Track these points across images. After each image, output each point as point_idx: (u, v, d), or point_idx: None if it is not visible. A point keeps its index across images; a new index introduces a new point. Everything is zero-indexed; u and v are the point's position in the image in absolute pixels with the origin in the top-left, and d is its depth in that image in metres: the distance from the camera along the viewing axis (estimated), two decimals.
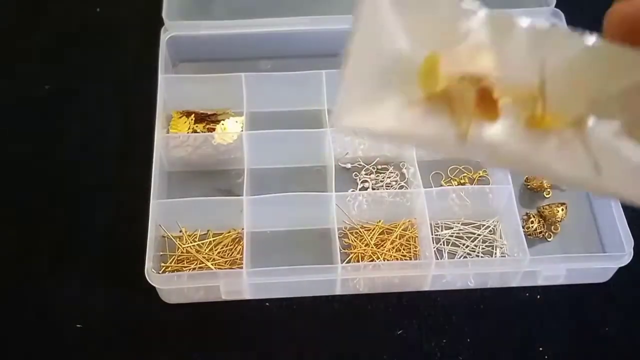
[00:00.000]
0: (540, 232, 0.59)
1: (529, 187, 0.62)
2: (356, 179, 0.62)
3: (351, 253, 0.57)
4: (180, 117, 0.63)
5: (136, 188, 0.57)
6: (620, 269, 0.55)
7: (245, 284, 0.53)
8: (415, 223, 0.59)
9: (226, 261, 0.56)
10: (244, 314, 0.55)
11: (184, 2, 0.68)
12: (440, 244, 0.58)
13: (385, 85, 0.20)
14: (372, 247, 0.57)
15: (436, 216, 0.58)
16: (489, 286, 0.57)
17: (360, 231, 0.58)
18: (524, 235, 0.55)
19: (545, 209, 0.59)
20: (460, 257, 0.58)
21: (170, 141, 0.60)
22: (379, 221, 0.59)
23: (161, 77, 0.61)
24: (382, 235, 0.58)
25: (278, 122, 0.61)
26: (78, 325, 0.54)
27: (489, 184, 0.61)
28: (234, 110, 0.63)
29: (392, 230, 0.58)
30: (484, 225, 0.59)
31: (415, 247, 0.58)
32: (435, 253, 0.56)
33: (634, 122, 0.20)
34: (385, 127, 0.20)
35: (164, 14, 0.63)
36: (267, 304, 0.56)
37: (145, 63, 0.64)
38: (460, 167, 0.63)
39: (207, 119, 0.63)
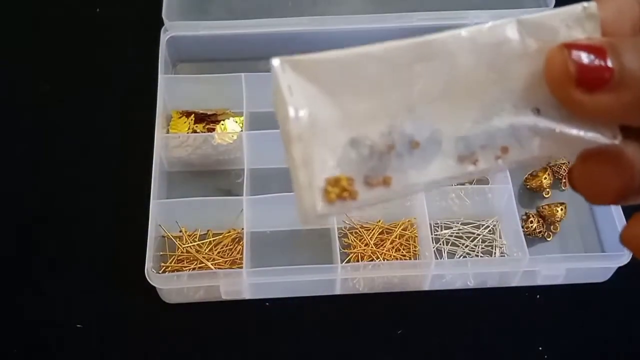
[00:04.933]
0: (540, 232, 0.59)
1: (528, 187, 0.62)
2: None
3: (351, 253, 0.57)
4: (180, 117, 0.63)
5: (136, 188, 0.57)
6: (619, 268, 0.55)
7: (245, 283, 0.53)
8: (415, 223, 0.59)
9: (226, 261, 0.56)
10: (244, 314, 0.55)
11: (184, 2, 0.68)
12: (440, 244, 0.58)
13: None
14: (371, 247, 0.57)
15: (436, 216, 0.59)
16: (488, 286, 0.57)
17: (360, 231, 0.58)
18: (523, 235, 0.55)
19: (545, 208, 0.59)
20: (459, 257, 0.58)
21: (170, 141, 0.60)
22: (379, 221, 0.59)
23: (161, 77, 0.61)
24: (382, 235, 0.58)
25: (278, 123, 0.61)
26: (78, 325, 0.54)
27: (489, 184, 0.61)
28: (233, 110, 0.63)
29: (391, 230, 0.58)
30: (484, 225, 0.60)
31: (415, 246, 0.58)
32: (434, 253, 0.56)
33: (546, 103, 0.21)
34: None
35: (163, 14, 0.63)
36: (267, 303, 0.56)
37: (145, 63, 0.64)
38: None
39: (207, 119, 0.63)
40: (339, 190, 0.20)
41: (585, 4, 0.21)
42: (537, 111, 0.21)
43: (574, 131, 0.21)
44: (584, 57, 0.19)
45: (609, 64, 0.19)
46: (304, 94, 0.20)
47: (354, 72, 0.20)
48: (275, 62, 0.20)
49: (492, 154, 0.21)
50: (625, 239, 0.22)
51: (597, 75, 0.19)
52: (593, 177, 0.21)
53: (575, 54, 0.19)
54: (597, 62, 0.19)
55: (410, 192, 0.21)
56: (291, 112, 0.20)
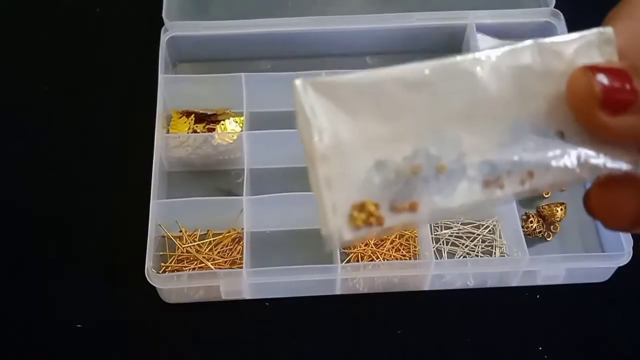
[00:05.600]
0: (540, 232, 0.59)
1: None
2: None
3: (351, 253, 0.57)
4: (180, 117, 0.63)
5: (136, 188, 0.57)
6: (619, 268, 0.55)
7: (245, 283, 0.53)
8: None
9: (226, 261, 0.56)
10: (244, 314, 0.55)
11: (184, 2, 0.68)
12: (440, 244, 0.58)
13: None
14: (371, 247, 0.57)
15: None
16: (488, 286, 0.57)
17: None
18: (523, 235, 0.55)
19: (545, 208, 0.59)
20: (459, 257, 0.58)
21: (170, 141, 0.60)
22: None
23: (161, 77, 0.61)
24: None
25: (278, 122, 0.61)
26: (78, 325, 0.54)
27: None
28: (233, 110, 0.63)
29: None
30: (484, 225, 0.60)
31: (415, 246, 0.58)
32: (434, 253, 0.56)
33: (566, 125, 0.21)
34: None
35: (164, 14, 0.63)
36: (267, 303, 0.56)
37: (145, 63, 0.64)
38: None
39: (207, 119, 0.63)
40: (365, 216, 0.20)
41: (601, 29, 0.21)
42: (562, 135, 0.21)
43: (596, 156, 0.21)
44: (608, 79, 0.19)
45: (634, 85, 0.19)
46: (327, 116, 0.20)
47: (376, 93, 0.20)
48: (298, 82, 0.20)
49: (518, 178, 0.21)
50: None
51: (623, 97, 0.19)
52: (611, 201, 0.21)
53: (599, 76, 0.19)
54: (621, 84, 0.19)
55: (437, 218, 0.20)
56: (315, 132, 0.20)
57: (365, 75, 0.20)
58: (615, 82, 0.19)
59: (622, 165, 0.21)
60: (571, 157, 0.21)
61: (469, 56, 0.21)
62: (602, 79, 0.19)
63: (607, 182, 0.21)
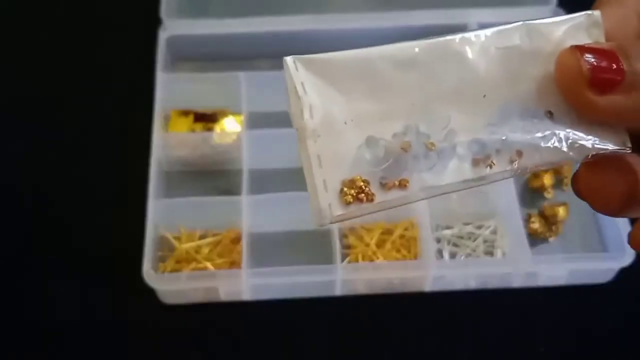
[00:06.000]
0: (542, 232, 0.58)
1: (530, 186, 0.61)
2: None
3: (351, 253, 0.57)
4: (179, 117, 0.63)
5: (134, 188, 0.57)
6: (622, 269, 0.55)
7: (245, 284, 0.53)
8: (416, 223, 0.58)
9: (225, 261, 0.56)
10: (243, 315, 0.55)
11: (183, 1, 0.68)
12: (441, 244, 0.58)
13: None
14: (372, 247, 0.57)
15: (437, 216, 0.58)
16: (489, 287, 0.56)
17: (360, 231, 0.58)
18: (525, 236, 0.55)
19: (547, 208, 0.59)
20: (461, 258, 0.58)
21: (169, 141, 0.60)
22: (380, 221, 0.58)
23: (160, 76, 0.61)
24: (383, 235, 0.58)
25: (278, 122, 0.60)
26: (78, 326, 0.54)
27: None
28: (233, 109, 0.63)
29: (392, 230, 0.58)
30: (485, 225, 0.59)
31: (416, 247, 0.57)
32: (435, 253, 0.55)
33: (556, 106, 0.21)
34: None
35: (162, 13, 0.63)
36: (267, 304, 0.55)
37: (143, 62, 0.64)
38: None
39: (206, 119, 0.63)
40: (355, 192, 0.20)
41: (589, 12, 0.22)
42: (550, 115, 0.21)
43: (584, 136, 0.21)
44: (596, 59, 0.20)
45: (621, 65, 0.19)
46: (317, 93, 0.20)
47: (366, 71, 0.20)
48: (289, 59, 0.20)
49: (508, 157, 0.21)
50: (634, 241, 0.22)
51: (610, 76, 0.19)
52: (598, 182, 0.21)
53: (587, 55, 0.20)
54: (609, 63, 0.20)
55: (427, 195, 0.21)
56: (305, 109, 0.20)
57: (356, 53, 0.20)
58: (603, 62, 0.20)
59: (610, 146, 0.21)
60: (560, 137, 0.21)
61: (458, 36, 0.21)
62: (590, 58, 0.20)
63: (595, 163, 0.21)
